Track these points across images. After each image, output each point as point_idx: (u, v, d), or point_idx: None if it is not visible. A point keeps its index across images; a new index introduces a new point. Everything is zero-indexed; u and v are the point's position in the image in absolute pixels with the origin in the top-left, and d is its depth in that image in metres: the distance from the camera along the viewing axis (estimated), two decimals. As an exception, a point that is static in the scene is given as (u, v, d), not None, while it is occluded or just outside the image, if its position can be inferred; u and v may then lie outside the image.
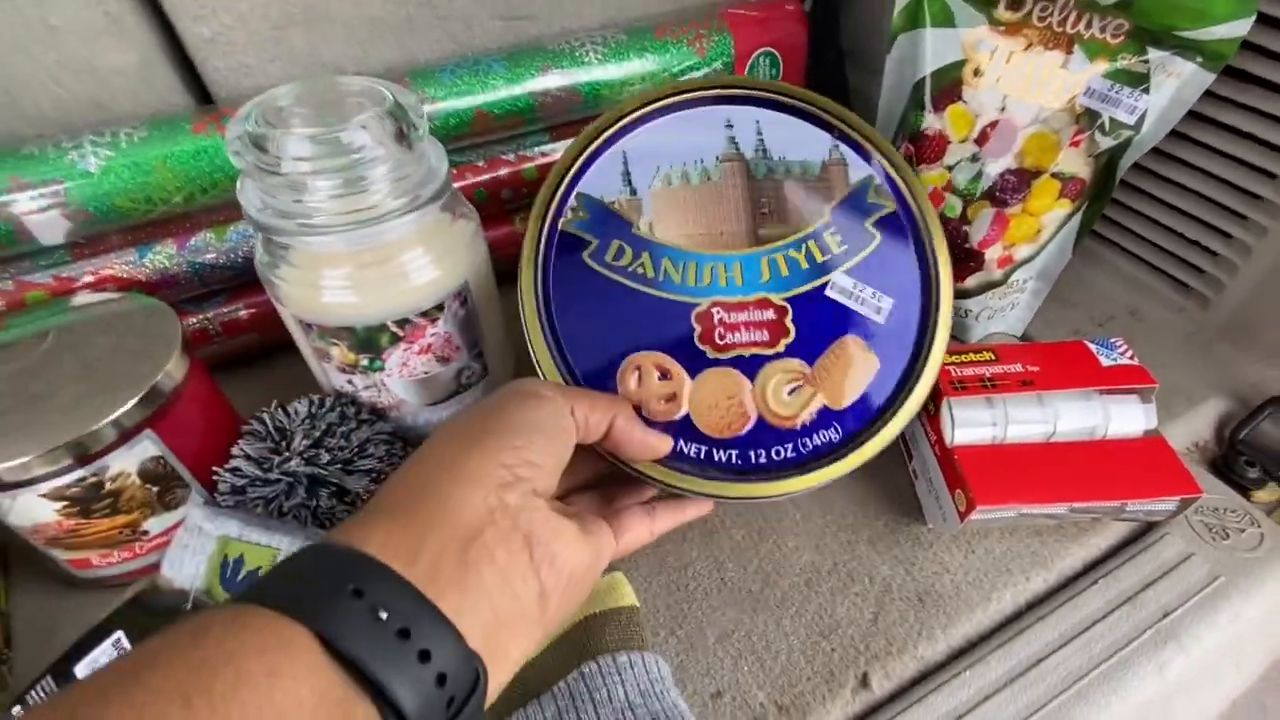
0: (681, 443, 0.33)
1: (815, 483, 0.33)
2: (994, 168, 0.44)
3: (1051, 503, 0.36)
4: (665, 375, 0.34)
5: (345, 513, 0.38)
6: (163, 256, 0.44)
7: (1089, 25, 0.40)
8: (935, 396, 0.39)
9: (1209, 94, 0.43)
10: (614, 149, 0.38)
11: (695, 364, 0.34)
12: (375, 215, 0.34)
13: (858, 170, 0.39)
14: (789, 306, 0.36)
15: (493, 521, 0.24)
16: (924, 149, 0.46)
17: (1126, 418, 0.39)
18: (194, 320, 0.47)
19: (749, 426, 0.34)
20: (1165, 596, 0.38)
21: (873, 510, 0.41)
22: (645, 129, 0.39)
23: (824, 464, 0.34)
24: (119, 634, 0.33)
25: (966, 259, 0.47)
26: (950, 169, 0.46)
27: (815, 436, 0.34)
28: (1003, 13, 0.42)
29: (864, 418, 0.35)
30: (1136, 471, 0.37)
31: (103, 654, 0.32)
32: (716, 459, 0.33)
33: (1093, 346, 0.41)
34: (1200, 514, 0.41)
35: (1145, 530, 0.41)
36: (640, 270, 0.36)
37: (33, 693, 0.32)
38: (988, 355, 0.40)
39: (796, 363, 0.35)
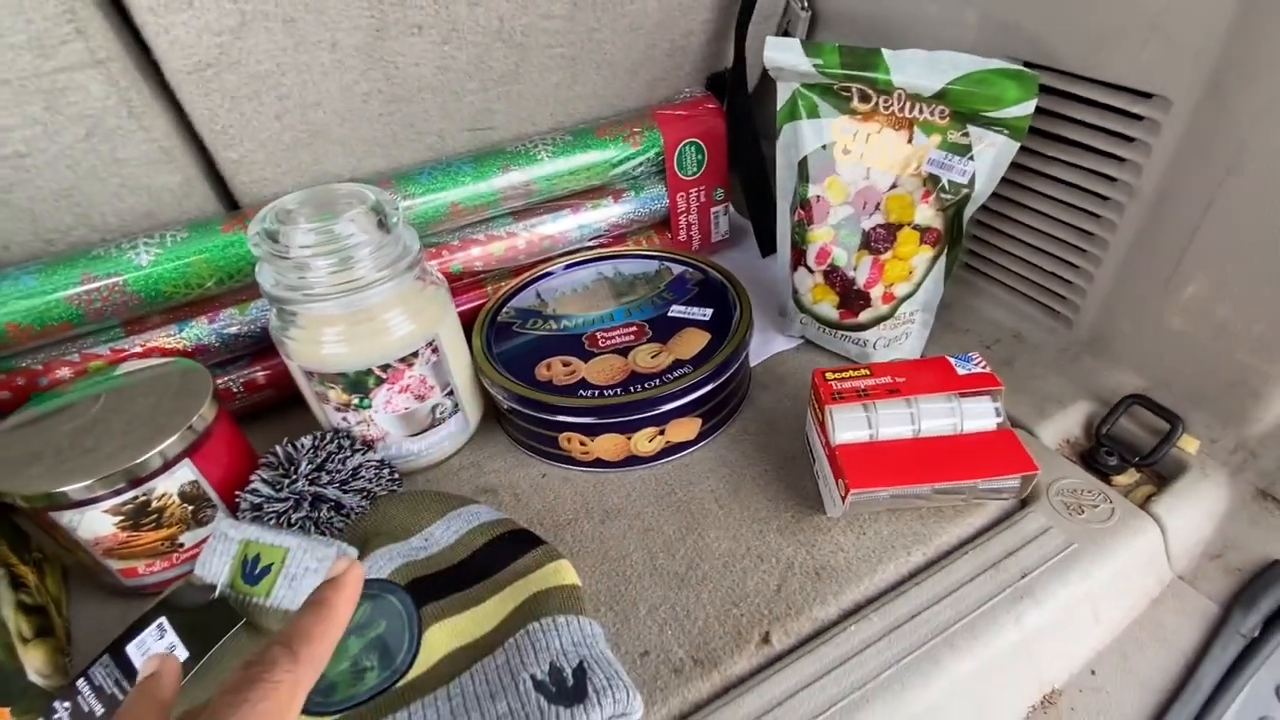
0: (581, 391, 0.51)
1: (681, 385, 0.50)
2: (867, 224, 0.55)
3: (915, 484, 0.44)
4: (567, 365, 0.54)
5: (342, 523, 0.46)
6: (197, 330, 0.54)
7: (920, 111, 0.51)
8: (821, 405, 0.47)
9: (1040, 154, 0.54)
10: (530, 289, 0.63)
11: (587, 356, 0.54)
12: (362, 285, 0.45)
13: (676, 269, 0.63)
14: (646, 324, 0.57)
15: None
16: (811, 213, 0.56)
17: (979, 415, 0.47)
18: (221, 381, 0.57)
19: (626, 376, 0.52)
20: (1025, 561, 0.45)
21: (782, 505, 0.49)
22: (547, 279, 0.64)
23: (685, 378, 0.51)
24: (162, 619, 0.41)
25: (857, 299, 0.57)
26: (835, 228, 0.56)
27: (673, 372, 0.52)
28: (857, 105, 0.53)
29: (703, 359, 0.53)
30: (987, 457, 0.45)
31: (149, 636, 0.40)
32: (608, 394, 0.50)
33: (952, 360, 0.49)
34: (1061, 495, 0.49)
35: (1013, 511, 0.49)
36: (548, 327, 0.58)
37: (94, 668, 0.40)
38: (864, 372, 0.49)
39: (656, 345, 0.55)
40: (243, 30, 0.45)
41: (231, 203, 0.56)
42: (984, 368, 0.48)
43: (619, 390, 0.50)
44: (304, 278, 0.44)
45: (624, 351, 0.54)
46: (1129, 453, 0.51)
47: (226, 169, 0.52)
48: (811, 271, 0.59)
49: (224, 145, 0.50)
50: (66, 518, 0.42)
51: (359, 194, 0.46)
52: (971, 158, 0.50)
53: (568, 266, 0.64)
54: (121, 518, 0.43)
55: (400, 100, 0.54)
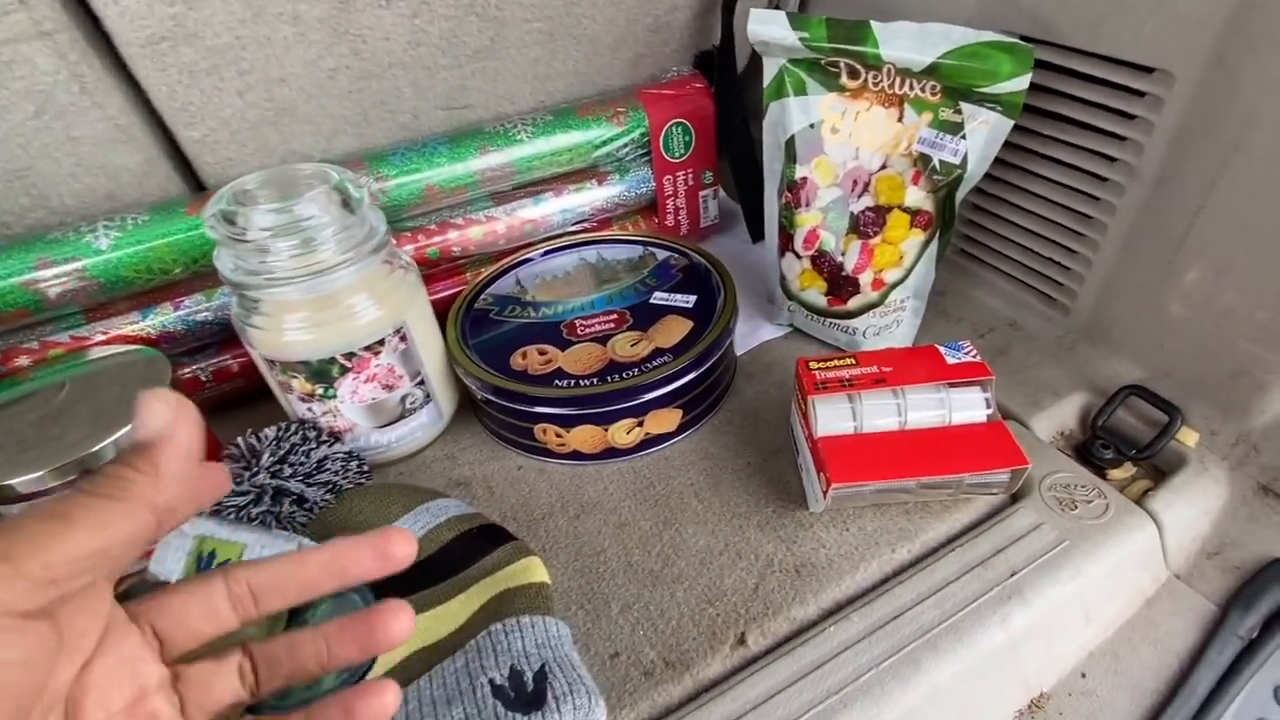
0: (557, 381, 0.49)
1: (660, 374, 0.48)
2: (856, 206, 0.52)
3: (899, 478, 0.43)
4: (543, 353, 0.51)
5: (305, 518, 0.45)
6: (163, 317, 0.52)
7: (911, 87, 0.48)
8: (804, 396, 0.46)
9: (1036, 134, 0.52)
10: (510, 275, 0.60)
11: (565, 345, 0.52)
12: (325, 268, 0.43)
13: (661, 255, 0.61)
14: (628, 311, 0.55)
15: None
16: (799, 195, 0.54)
17: (968, 406, 0.45)
18: (187, 370, 0.55)
19: (604, 365, 0.50)
20: (1013, 559, 0.43)
21: (764, 500, 0.47)
22: (528, 265, 0.61)
23: (664, 367, 0.49)
24: (112, 618, 0.39)
25: (846, 285, 0.55)
26: (823, 211, 0.54)
27: (653, 361, 0.50)
28: (846, 81, 0.51)
29: (684, 348, 0.50)
30: (975, 450, 0.43)
31: (99, 635, 0.39)
32: (584, 384, 0.48)
33: (942, 349, 0.47)
34: (1053, 490, 0.47)
35: (1003, 506, 0.47)
36: (526, 314, 0.56)
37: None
38: (849, 361, 0.47)
39: (636, 333, 0.53)
40: (197, 1, 0.43)
41: (198, 184, 0.54)
42: (974, 357, 0.46)
43: (595, 380, 0.49)
44: (265, 262, 0.42)
45: (603, 340, 0.52)
46: (1125, 445, 0.49)
47: (189, 148, 0.50)
48: (799, 257, 0.56)
49: (184, 124, 0.48)
50: (16, 512, 0.40)
51: (321, 173, 0.44)
52: (964, 136, 0.48)
53: (549, 252, 0.62)
54: (73, 511, 0.41)
55: (370, 77, 0.52)
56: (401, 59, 0.52)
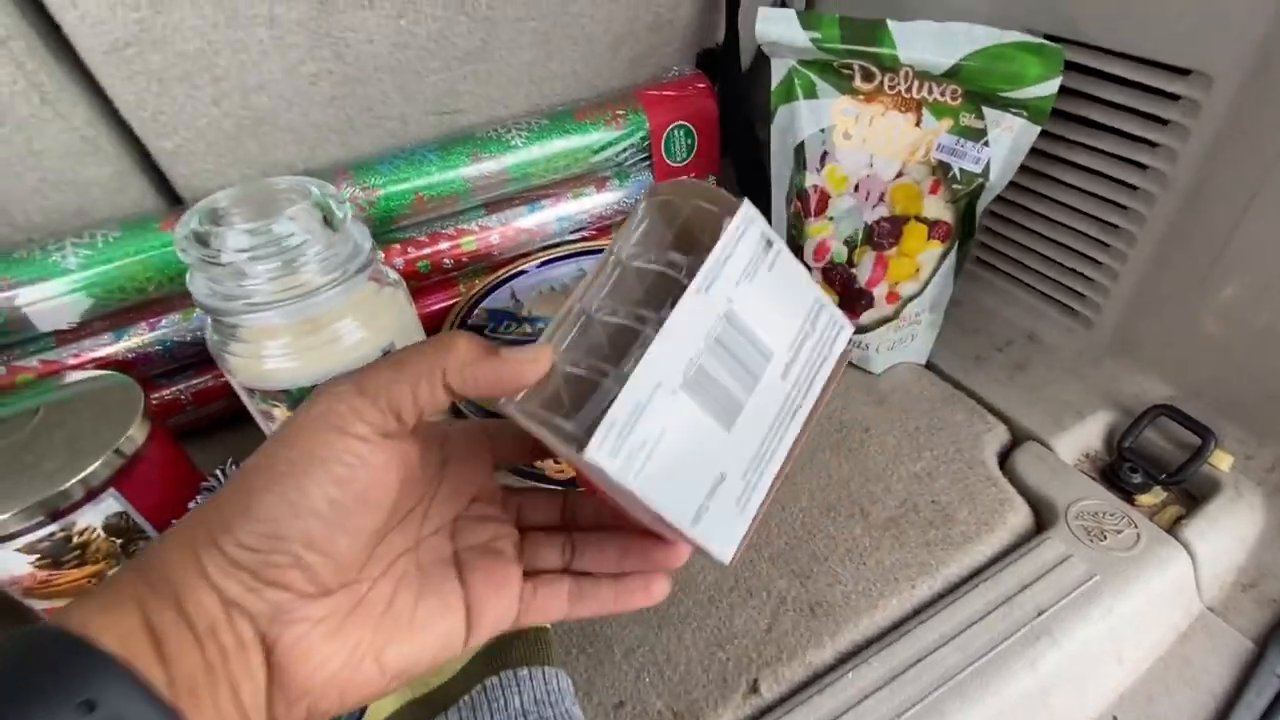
0: None
1: None
2: (870, 216, 0.50)
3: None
4: None
5: (289, 556, 0.42)
6: (137, 338, 0.49)
7: (930, 91, 0.46)
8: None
9: (1062, 139, 0.49)
10: (505, 288, 0.58)
11: None
12: (308, 290, 0.40)
13: None
14: None
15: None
16: (809, 204, 0.51)
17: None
18: (167, 392, 0.52)
19: None
20: (1041, 596, 0.41)
21: (774, 530, 0.45)
22: (524, 277, 0.59)
23: None
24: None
25: (858, 298, 0.52)
26: (835, 221, 0.51)
27: None
28: (860, 84, 0.48)
29: None
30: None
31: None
32: None
33: None
34: (1081, 519, 0.44)
35: (1030, 536, 0.44)
36: (522, 331, 0.54)
37: None
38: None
39: None
40: (162, 4, 0.40)
41: (174, 198, 0.51)
42: None
43: None
44: (242, 285, 0.39)
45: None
46: (1155, 469, 0.47)
47: (162, 160, 0.47)
48: (809, 269, 0.54)
49: (156, 134, 0.45)
50: (-18, 549, 0.38)
51: (300, 188, 0.41)
52: (986, 143, 0.45)
53: (545, 263, 0.59)
54: (38, 556, 0.38)
55: (354, 82, 0.49)
56: (388, 63, 0.49)
